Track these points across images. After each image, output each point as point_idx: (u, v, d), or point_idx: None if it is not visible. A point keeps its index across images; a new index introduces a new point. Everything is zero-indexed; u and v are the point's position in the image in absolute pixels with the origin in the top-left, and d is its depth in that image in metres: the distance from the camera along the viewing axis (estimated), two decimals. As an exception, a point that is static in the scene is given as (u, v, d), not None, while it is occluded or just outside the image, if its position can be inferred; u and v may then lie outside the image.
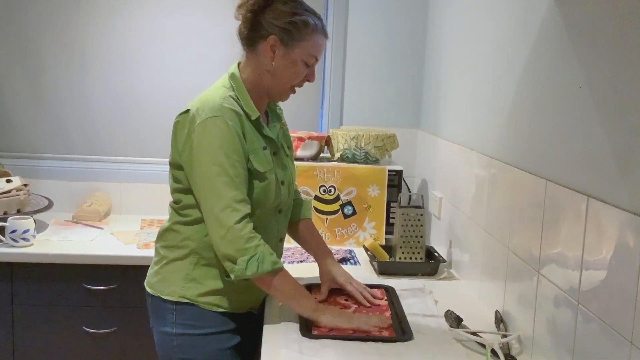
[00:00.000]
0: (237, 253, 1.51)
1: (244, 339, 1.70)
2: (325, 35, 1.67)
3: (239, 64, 1.69)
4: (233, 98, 1.61)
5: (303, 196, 2.02)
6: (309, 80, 1.68)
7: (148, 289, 1.72)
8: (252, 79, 1.65)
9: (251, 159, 1.59)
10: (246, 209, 1.55)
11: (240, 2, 1.64)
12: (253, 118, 1.62)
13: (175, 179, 1.66)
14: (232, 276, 1.54)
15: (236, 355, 1.68)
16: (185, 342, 1.64)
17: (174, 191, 1.68)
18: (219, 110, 1.54)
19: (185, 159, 1.59)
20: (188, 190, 1.62)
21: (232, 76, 1.65)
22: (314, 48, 1.63)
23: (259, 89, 1.66)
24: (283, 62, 1.61)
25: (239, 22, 1.64)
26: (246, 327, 1.72)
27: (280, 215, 1.75)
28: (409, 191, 2.70)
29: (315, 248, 1.88)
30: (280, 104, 1.81)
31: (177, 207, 1.68)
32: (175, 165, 1.65)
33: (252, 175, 1.60)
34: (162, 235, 1.71)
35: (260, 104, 1.68)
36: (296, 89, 1.69)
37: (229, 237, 1.51)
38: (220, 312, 1.65)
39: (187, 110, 1.60)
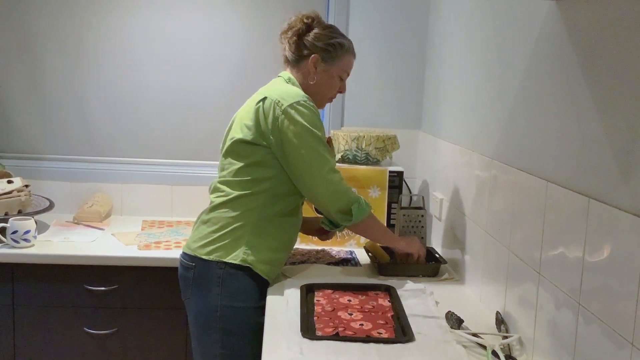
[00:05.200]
0: (348, 202, 1.86)
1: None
2: (354, 55, 2.00)
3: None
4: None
5: None
6: (340, 92, 2.02)
7: (203, 256, 1.82)
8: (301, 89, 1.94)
9: None
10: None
11: (284, 29, 1.95)
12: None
13: (242, 156, 1.85)
14: (349, 223, 1.87)
15: (260, 332, 1.76)
16: (227, 312, 1.80)
17: (242, 167, 1.84)
18: (304, 97, 1.84)
19: (275, 137, 1.80)
20: (257, 164, 1.83)
21: (292, 81, 1.93)
22: (347, 65, 1.98)
23: None
24: (324, 76, 1.94)
25: (284, 45, 1.95)
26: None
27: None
28: (410, 192, 2.70)
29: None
30: None
31: (240, 180, 1.84)
32: (248, 142, 1.83)
33: None
34: (223, 205, 1.85)
35: None
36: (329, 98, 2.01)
37: (338, 191, 1.84)
38: (258, 287, 1.83)
39: (264, 98, 1.82)
